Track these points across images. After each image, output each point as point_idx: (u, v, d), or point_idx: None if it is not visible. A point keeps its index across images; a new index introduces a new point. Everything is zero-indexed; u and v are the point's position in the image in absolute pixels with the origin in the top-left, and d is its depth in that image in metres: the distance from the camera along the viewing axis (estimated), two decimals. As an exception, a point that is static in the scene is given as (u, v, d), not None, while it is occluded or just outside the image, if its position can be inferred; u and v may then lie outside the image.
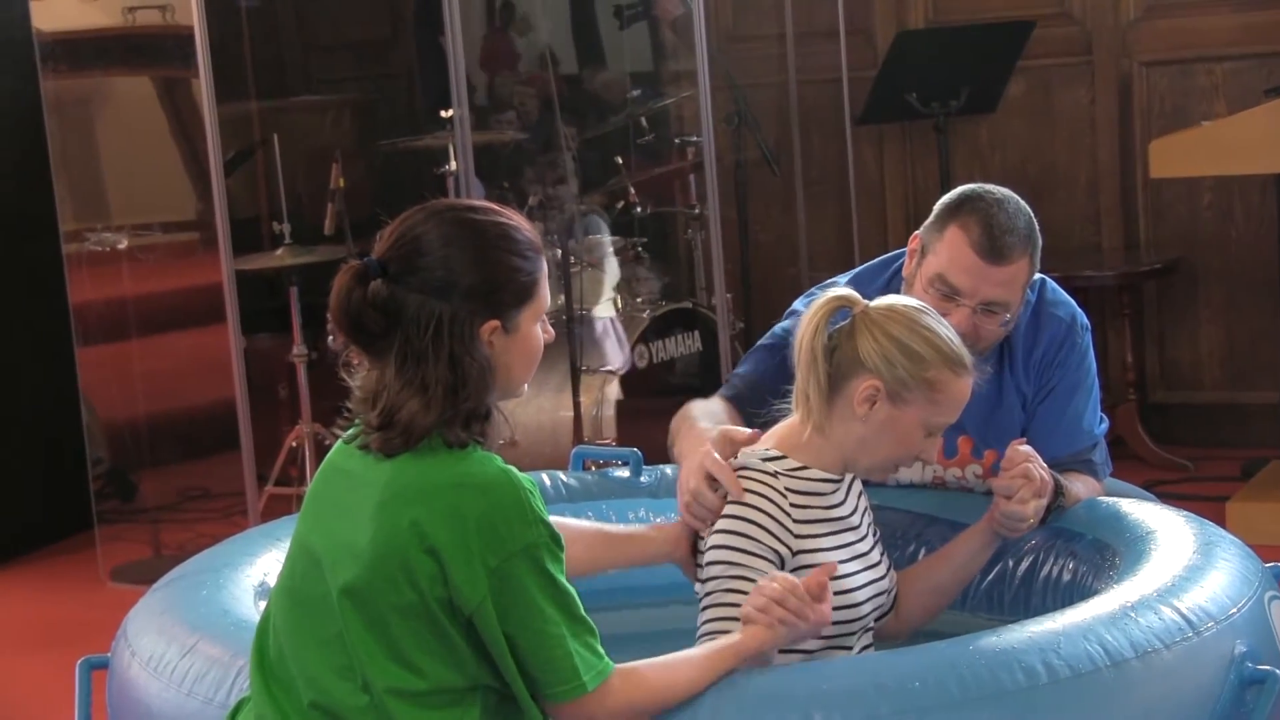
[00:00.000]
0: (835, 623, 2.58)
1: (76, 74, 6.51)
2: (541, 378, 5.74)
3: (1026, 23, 6.01)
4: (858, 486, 2.77)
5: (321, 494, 2.37)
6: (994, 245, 3.03)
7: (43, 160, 5.73)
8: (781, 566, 2.60)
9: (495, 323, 2.28)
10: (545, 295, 2.36)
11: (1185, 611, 2.43)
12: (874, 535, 2.78)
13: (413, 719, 2.22)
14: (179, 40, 6.29)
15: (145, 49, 7.14)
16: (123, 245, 6.13)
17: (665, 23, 6.91)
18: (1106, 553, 2.87)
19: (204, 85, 5.25)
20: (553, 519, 2.30)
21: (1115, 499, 3.07)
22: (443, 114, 5.35)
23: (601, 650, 2.26)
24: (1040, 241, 3.11)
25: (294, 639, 2.30)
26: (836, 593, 2.58)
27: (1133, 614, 2.40)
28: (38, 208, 5.76)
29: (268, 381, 5.88)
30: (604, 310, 5.75)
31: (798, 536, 2.64)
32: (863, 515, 2.76)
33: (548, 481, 3.38)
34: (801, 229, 6.59)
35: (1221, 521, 3.56)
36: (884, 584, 2.74)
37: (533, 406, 5.60)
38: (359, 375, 2.33)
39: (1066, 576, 2.97)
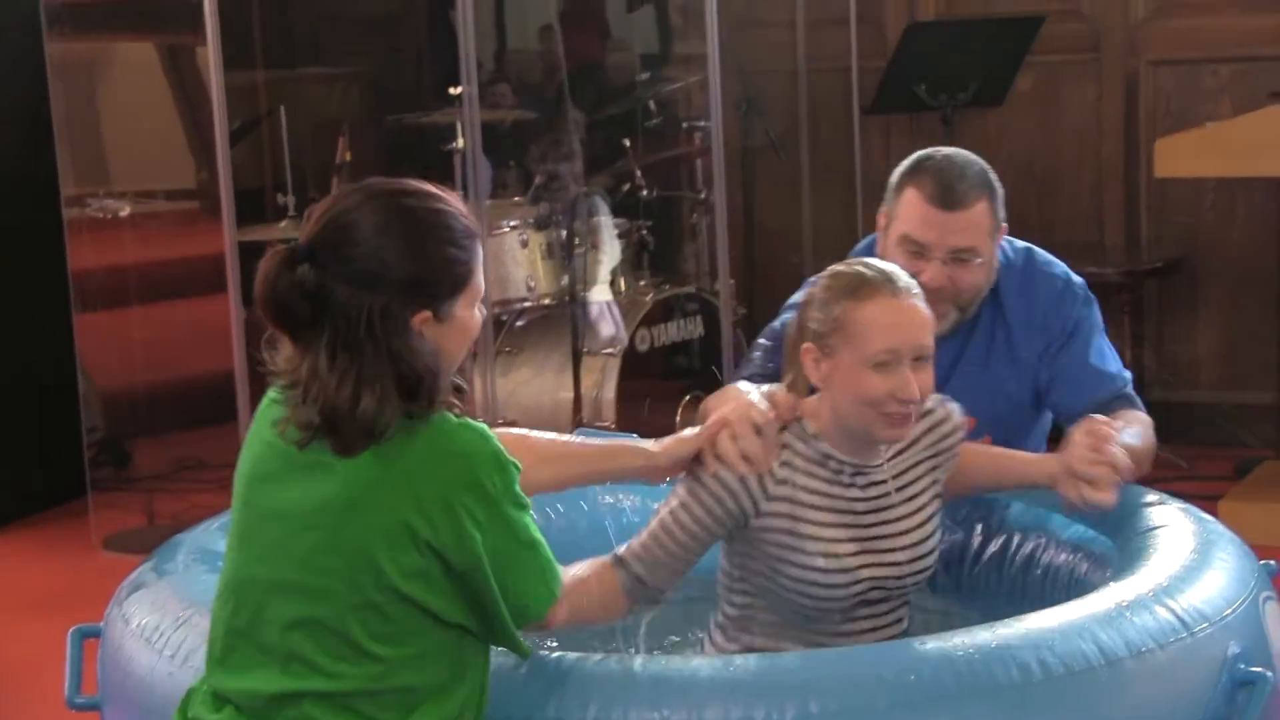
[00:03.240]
0: (807, 598, 2.66)
1: (82, 38, 6.49)
2: (541, 359, 5.76)
3: (1036, 18, 6.01)
4: (898, 483, 2.75)
5: (262, 491, 2.29)
6: (947, 193, 3.12)
7: (46, 124, 5.71)
8: (745, 524, 2.67)
9: (427, 313, 2.22)
10: (480, 282, 2.30)
11: (1180, 611, 2.43)
12: (900, 524, 2.75)
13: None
14: (187, 7, 6.28)
15: (152, 14, 7.12)
16: (125, 212, 6.13)
17: (674, 6, 6.91)
18: (1105, 546, 2.88)
19: (211, 53, 5.23)
20: (521, 433, 2.48)
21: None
22: (451, 90, 5.34)
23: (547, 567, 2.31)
24: (1000, 190, 3.16)
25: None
26: (818, 569, 2.65)
27: (1128, 613, 2.40)
28: (40, 171, 5.74)
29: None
30: (600, 293, 5.74)
31: (771, 498, 2.67)
32: (884, 509, 2.73)
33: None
34: (807, 217, 6.60)
35: (1215, 521, 3.55)
36: (883, 570, 2.72)
37: (533, 387, 5.60)
38: (280, 356, 2.25)
39: (1065, 567, 2.98)
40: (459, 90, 5.25)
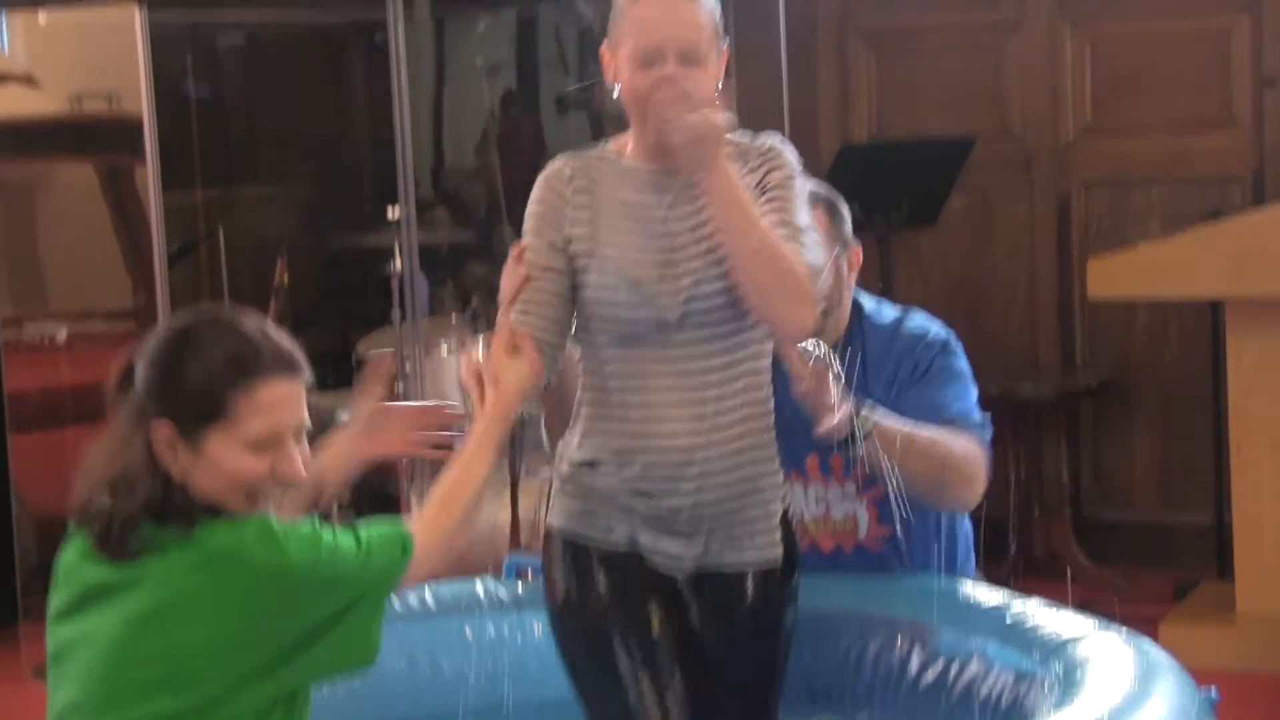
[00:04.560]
0: (624, 305, 2.79)
1: (21, 160, 6.50)
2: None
3: (968, 140, 6.08)
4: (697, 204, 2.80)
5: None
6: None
7: (-15, 246, 5.70)
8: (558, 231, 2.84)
9: (167, 425, 2.22)
10: (243, 424, 2.22)
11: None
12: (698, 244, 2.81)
13: None
14: (126, 128, 6.29)
15: (91, 136, 7.12)
16: (61, 337, 6.10)
17: (608, 116, 6.95)
18: (1046, 673, 2.89)
19: (151, 174, 5.25)
20: None
21: (1059, 611, 3.07)
22: (389, 213, 5.35)
23: (385, 522, 2.36)
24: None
25: None
26: (625, 276, 2.79)
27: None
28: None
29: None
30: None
31: (574, 208, 2.86)
32: (691, 227, 2.82)
33: (480, 590, 3.37)
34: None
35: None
36: (679, 284, 2.80)
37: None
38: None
39: (1004, 696, 2.98)
40: (397, 214, 5.26)
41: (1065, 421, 6.12)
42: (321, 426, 5.41)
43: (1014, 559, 5.94)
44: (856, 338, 3.36)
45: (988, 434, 3.33)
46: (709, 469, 2.83)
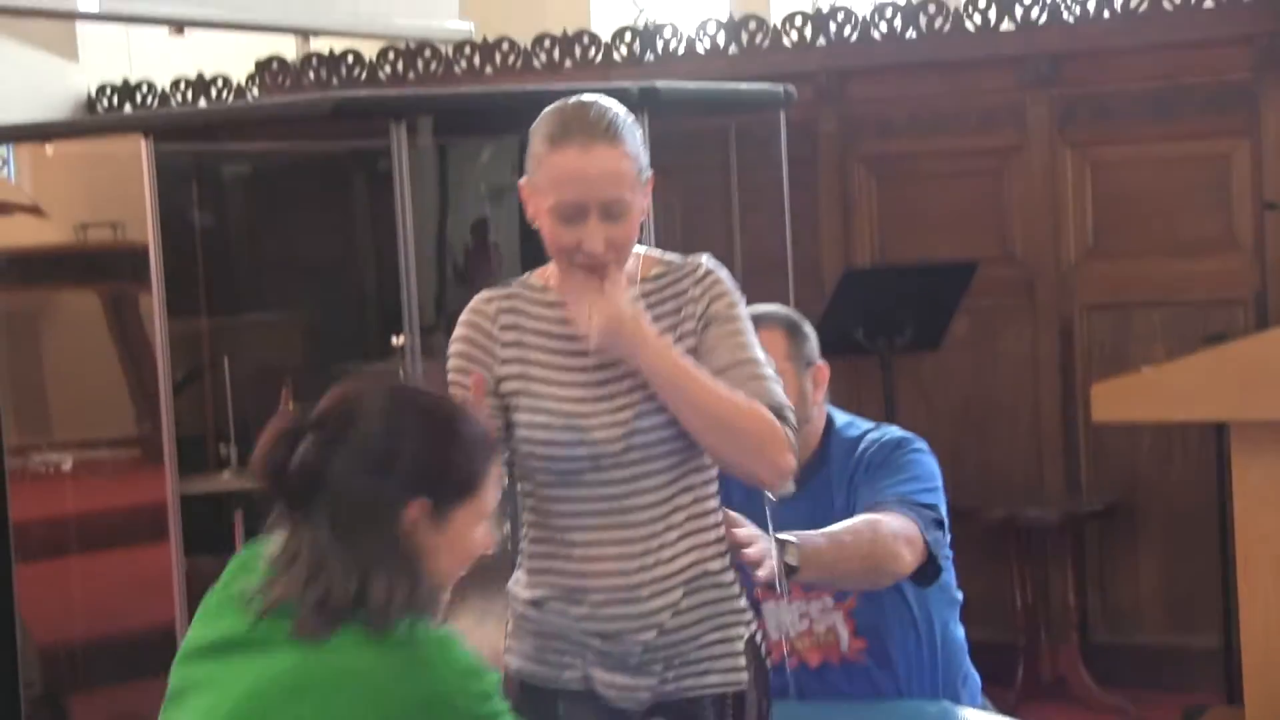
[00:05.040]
0: (561, 444, 2.73)
1: (27, 289, 6.53)
2: (483, 607, 5.70)
3: (970, 264, 6.11)
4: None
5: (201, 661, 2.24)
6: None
7: (-11, 376, 5.72)
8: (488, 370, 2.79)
9: (425, 502, 2.18)
10: (487, 496, 2.26)
11: None
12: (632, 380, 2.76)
13: None
14: (131, 257, 6.32)
15: (96, 265, 7.16)
16: (66, 466, 6.09)
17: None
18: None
19: (156, 303, 5.27)
20: None
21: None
22: (394, 340, 5.37)
23: None
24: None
25: None
26: (559, 414, 2.74)
27: None
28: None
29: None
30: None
31: (503, 345, 2.81)
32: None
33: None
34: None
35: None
36: (617, 417, 2.75)
37: (475, 637, 5.54)
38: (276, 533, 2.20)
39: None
40: (401, 340, 5.28)
41: (1071, 545, 6.11)
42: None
43: (1021, 683, 5.90)
44: (825, 452, 3.38)
45: (930, 519, 3.26)
46: (658, 604, 2.77)
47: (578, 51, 7.15)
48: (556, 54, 7.16)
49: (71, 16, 7.47)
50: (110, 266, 7.03)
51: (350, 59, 7.52)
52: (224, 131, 6.58)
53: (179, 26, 7.62)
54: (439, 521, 2.21)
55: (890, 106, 6.62)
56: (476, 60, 7.30)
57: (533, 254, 2.94)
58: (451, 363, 2.85)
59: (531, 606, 2.86)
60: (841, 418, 3.47)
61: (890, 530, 3.17)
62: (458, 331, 2.86)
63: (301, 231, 7.50)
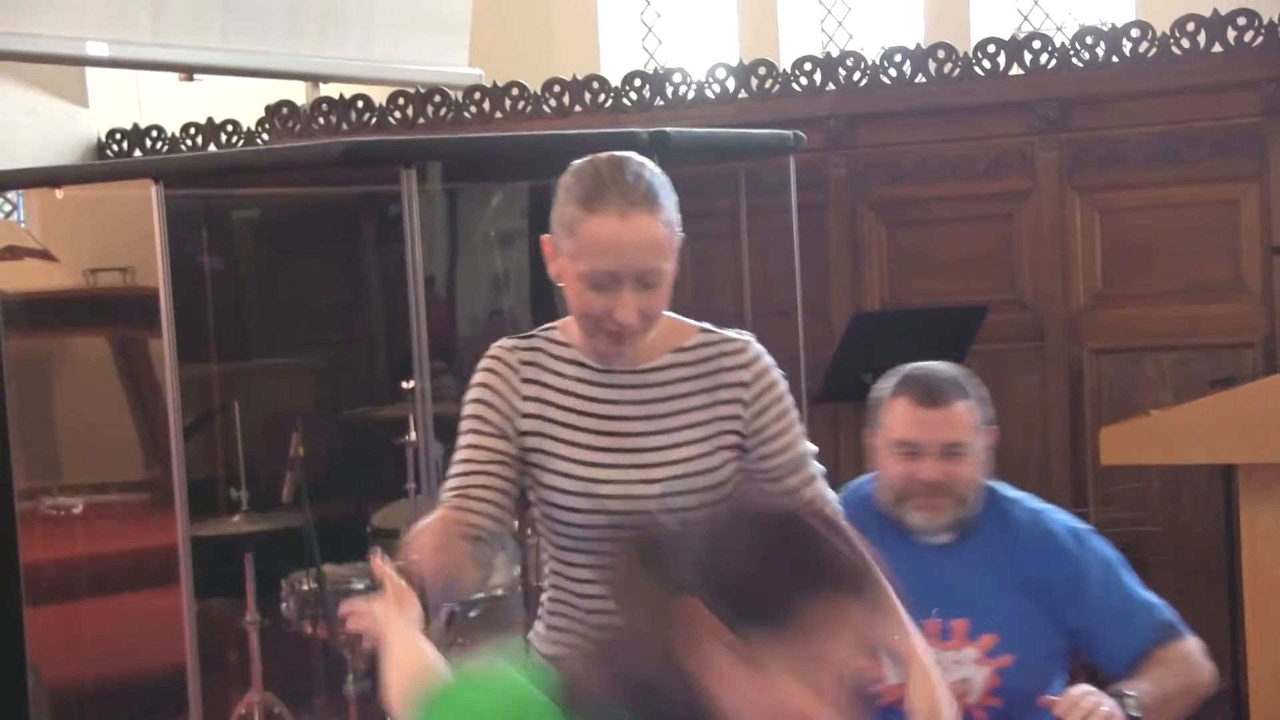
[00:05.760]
0: (578, 511, 2.65)
1: (37, 334, 6.54)
2: (496, 644, 5.70)
3: (980, 307, 6.12)
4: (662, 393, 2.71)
5: None
6: (931, 393, 3.29)
7: (1, 419, 5.72)
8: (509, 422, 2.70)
9: (707, 613, 1.83)
10: (817, 645, 1.82)
11: None
12: (668, 444, 2.69)
13: None
14: (140, 301, 6.34)
15: (106, 310, 7.19)
16: (77, 509, 6.11)
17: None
18: None
19: (167, 347, 5.28)
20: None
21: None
22: (404, 385, 5.38)
23: None
24: (982, 392, 3.35)
25: None
26: (576, 478, 2.65)
27: None
28: (-7, 466, 5.74)
29: (219, 648, 5.82)
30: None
31: (524, 399, 2.72)
32: (657, 430, 2.69)
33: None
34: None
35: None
36: (640, 490, 2.67)
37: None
38: None
39: None
40: (411, 385, 5.28)
41: (1081, 588, 6.09)
42: (336, 597, 5.41)
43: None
44: (986, 511, 3.38)
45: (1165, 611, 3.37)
46: None
47: (587, 97, 7.17)
48: (566, 99, 7.19)
49: (82, 62, 7.51)
50: (120, 311, 7.05)
51: (360, 104, 7.55)
52: (234, 177, 6.61)
53: (189, 73, 7.66)
54: (735, 647, 1.82)
55: (900, 151, 6.64)
56: (486, 105, 7.33)
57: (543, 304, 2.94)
58: (471, 409, 2.75)
59: (548, 661, 2.80)
60: (997, 484, 3.49)
61: (1201, 665, 3.32)
62: (479, 378, 2.77)
63: (311, 276, 7.53)
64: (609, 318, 2.60)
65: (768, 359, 2.77)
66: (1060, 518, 3.43)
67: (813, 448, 2.84)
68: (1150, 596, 3.37)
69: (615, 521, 2.66)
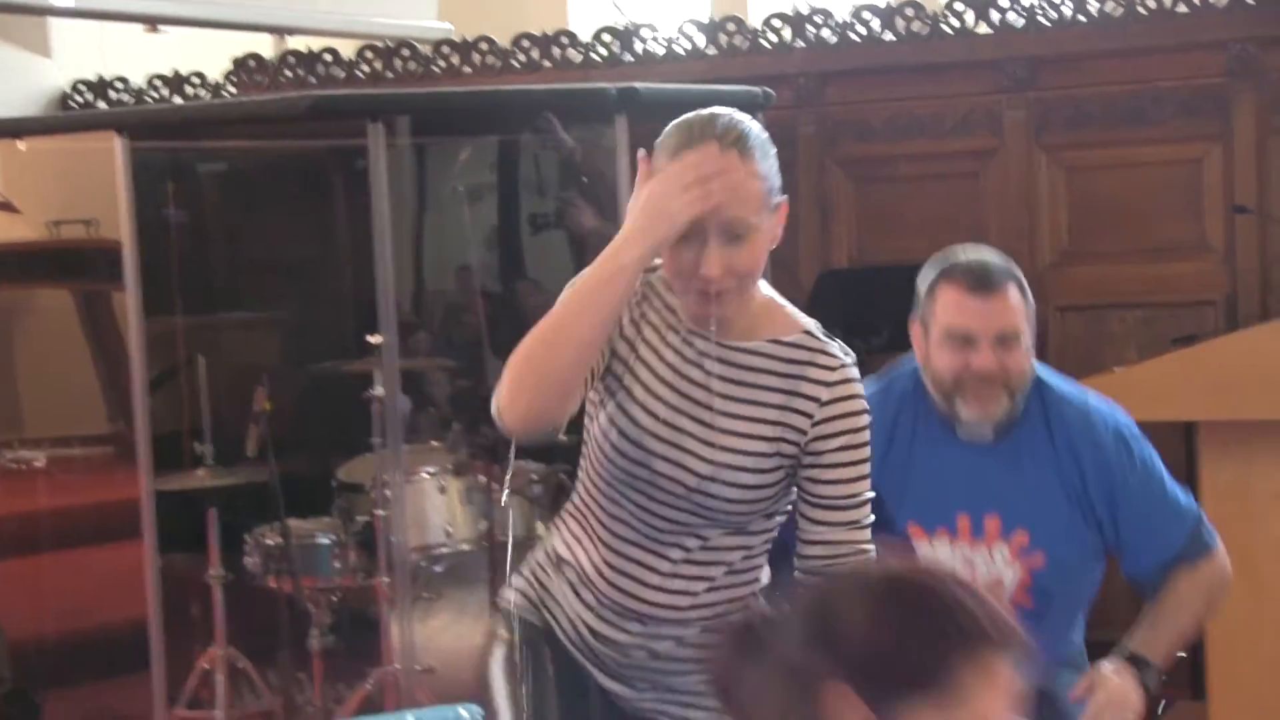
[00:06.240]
0: (624, 456, 2.61)
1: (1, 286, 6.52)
2: (459, 604, 5.72)
3: (946, 266, 6.12)
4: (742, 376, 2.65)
5: None
6: (982, 281, 3.19)
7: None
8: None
9: (853, 695, 1.71)
10: (968, 703, 1.72)
11: None
12: (736, 422, 2.63)
13: None
14: (104, 254, 6.31)
15: (69, 262, 7.16)
16: (39, 463, 6.09)
17: (590, 247, 6.97)
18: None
19: (131, 301, 5.26)
20: None
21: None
22: (370, 339, 5.37)
23: None
24: (1025, 281, 3.28)
25: None
26: (636, 424, 2.60)
27: None
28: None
29: (182, 603, 5.81)
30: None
31: (629, 321, 2.66)
32: (710, 396, 2.64)
33: (464, 715, 3.34)
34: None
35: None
36: (692, 462, 2.62)
37: (452, 633, 5.56)
38: None
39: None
40: (378, 339, 5.27)
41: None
42: (301, 552, 5.41)
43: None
44: (1032, 406, 3.31)
45: (1201, 521, 3.37)
46: (660, 631, 2.70)
47: (557, 52, 7.15)
48: (535, 54, 7.17)
49: (45, 12, 7.46)
50: (84, 264, 7.03)
51: (328, 57, 7.52)
52: (200, 129, 6.57)
53: (154, 24, 7.61)
54: None
55: (868, 109, 6.64)
56: (455, 60, 7.30)
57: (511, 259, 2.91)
58: None
59: (551, 562, 2.79)
60: (1043, 370, 3.41)
61: (1217, 582, 3.34)
62: None
63: (278, 230, 7.51)
64: (695, 274, 2.55)
65: (857, 387, 2.66)
66: (1109, 418, 3.36)
67: (869, 499, 2.70)
68: (1184, 506, 3.35)
69: (657, 484, 2.63)
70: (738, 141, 2.56)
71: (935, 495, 3.19)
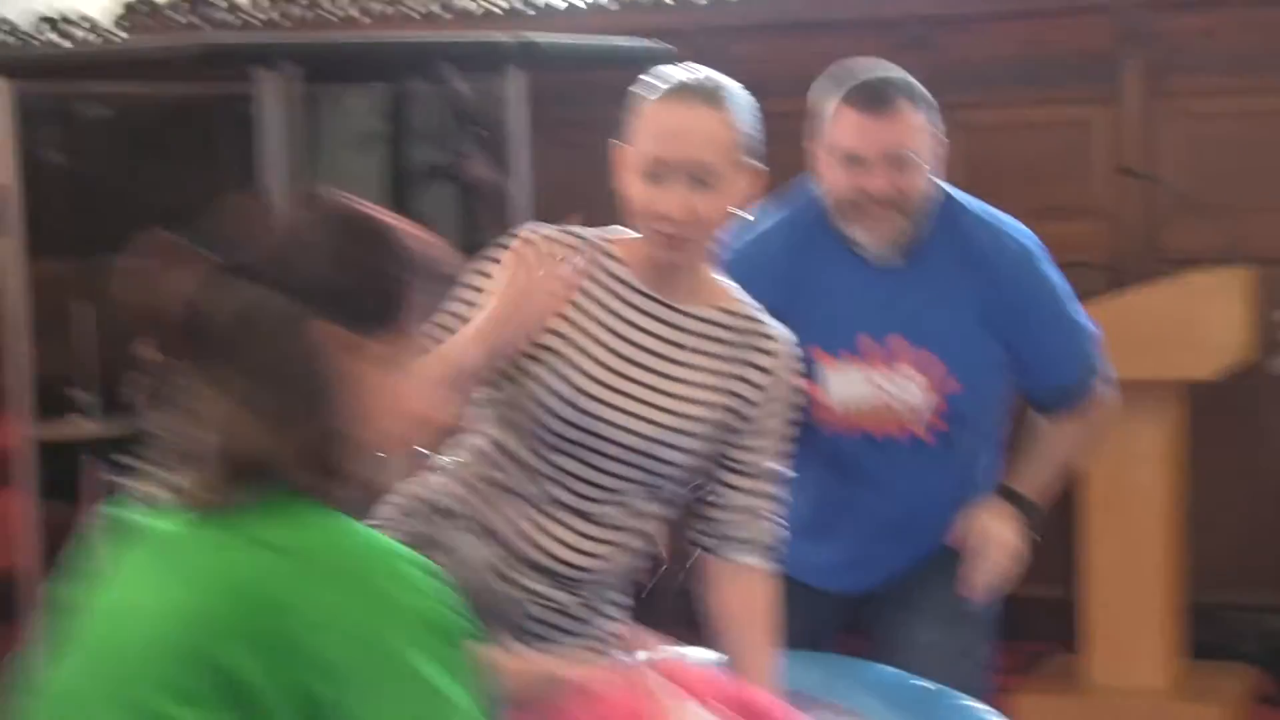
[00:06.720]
0: (558, 417, 2.59)
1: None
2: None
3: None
4: (700, 348, 2.68)
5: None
6: (875, 98, 3.12)
7: None
8: None
9: (336, 329, 1.79)
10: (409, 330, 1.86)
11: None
12: (687, 391, 2.66)
13: None
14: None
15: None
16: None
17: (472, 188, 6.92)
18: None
19: (15, 245, 5.20)
20: None
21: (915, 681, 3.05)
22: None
23: None
24: (929, 99, 3.16)
25: None
26: (574, 387, 2.59)
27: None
28: None
29: (56, 552, 5.75)
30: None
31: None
32: (658, 359, 2.66)
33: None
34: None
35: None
36: (635, 424, 2.62)
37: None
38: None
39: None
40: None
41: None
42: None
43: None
44: (940, 224, 3.26)
45: (1096, 345, 3.38)
46: (554, 588, 2.67)
47: (457, 2, 7.10)
48: (436, 5, 7.11)
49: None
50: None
51: (222, 2, 7.43)
52: (87, 73, 6.49)
53: (43, -35, 7.49)
54: (356, 355, 1.80)
55: (768, 67, 6.61)
56: (353, 11, 7.23)
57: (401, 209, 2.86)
58: (477, 281, 2.64)
59: (434, 511, 2.65)
60: (954, 191, 3.35)
61: (1097, 416, 3.40)
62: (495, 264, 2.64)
63: (166, 176, 7.42)
64: (659, 215, 2.57)
65: (797, 365, 2.76)
66: (1018, 236, 3.33)
67: (785, 473, 2.76)
68: (1084, 332, 3.34)
69: (598, 445, 2.62)
70: (716, 93, 2.63)
71: (839, 318, 3.16)
